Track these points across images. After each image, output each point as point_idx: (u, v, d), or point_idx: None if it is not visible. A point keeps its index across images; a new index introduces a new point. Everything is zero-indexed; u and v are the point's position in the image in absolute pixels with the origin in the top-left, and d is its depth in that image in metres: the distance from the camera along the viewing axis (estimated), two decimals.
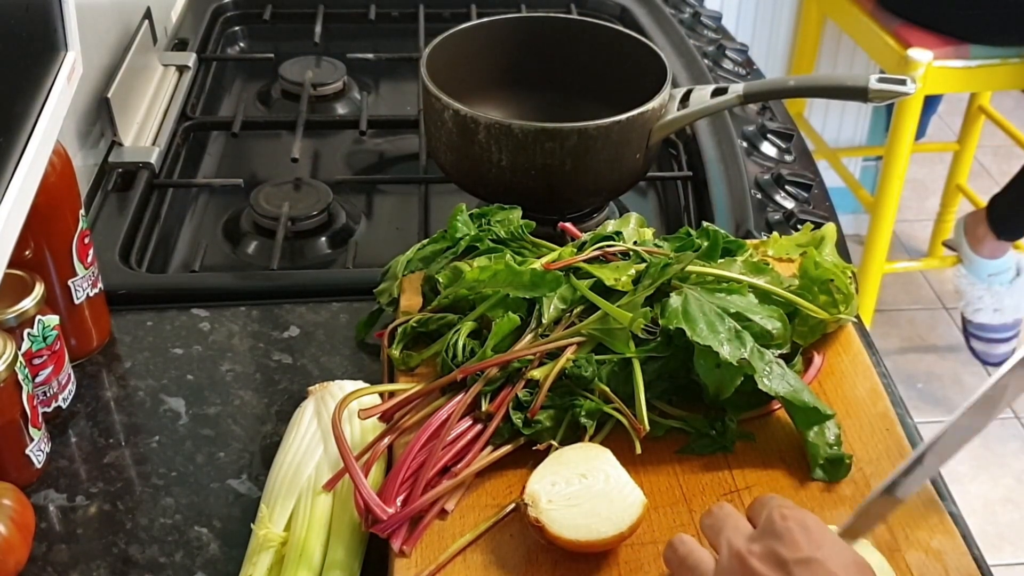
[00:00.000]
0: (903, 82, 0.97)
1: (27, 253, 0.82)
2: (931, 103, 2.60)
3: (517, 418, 0.73)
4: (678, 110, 1.02)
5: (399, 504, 0.68)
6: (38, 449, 0.78)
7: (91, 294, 0.88)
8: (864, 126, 2.74)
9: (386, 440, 0.73)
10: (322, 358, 0.90)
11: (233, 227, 1.12)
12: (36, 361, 0.80)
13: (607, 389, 0.74)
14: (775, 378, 0.74)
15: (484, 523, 0.69)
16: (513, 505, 0.70)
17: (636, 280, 0.80)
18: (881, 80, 0.97)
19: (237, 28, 1.53)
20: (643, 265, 0.81)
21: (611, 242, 0.86)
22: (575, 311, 0.79)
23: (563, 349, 0.76)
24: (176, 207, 1.16)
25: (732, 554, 0.57)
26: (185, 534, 0.75)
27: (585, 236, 0.88)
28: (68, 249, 0.84)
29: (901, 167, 2.15)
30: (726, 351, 0.72)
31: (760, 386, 0.73)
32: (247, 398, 0.86)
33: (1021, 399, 2.39)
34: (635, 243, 0.86)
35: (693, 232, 0.87)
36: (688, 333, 0.73)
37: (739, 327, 0.74)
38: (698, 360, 0.74)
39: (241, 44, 1.53)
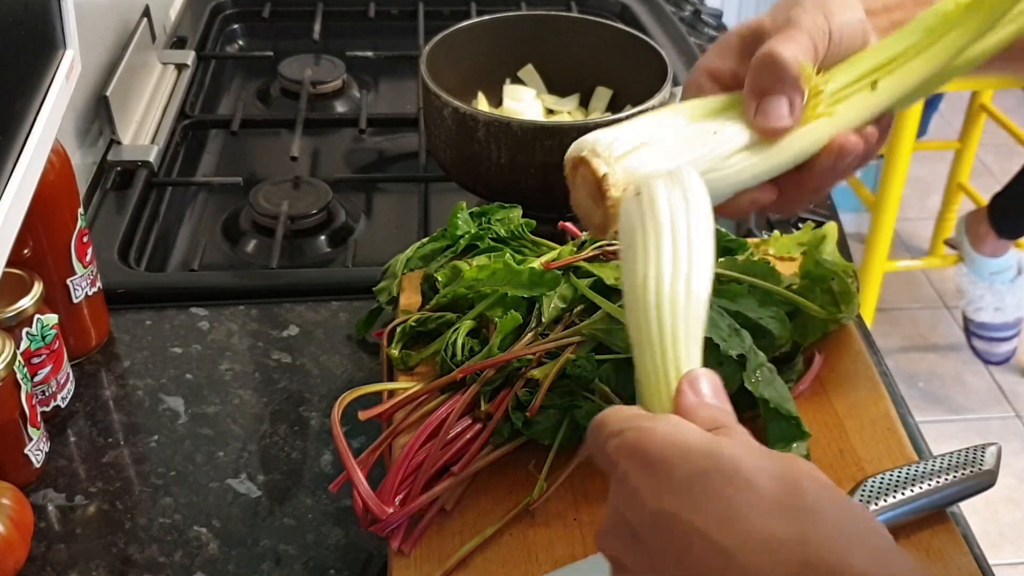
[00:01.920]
0: None
1: (26, 252, 0.81)
2: (932, 101, 2.60)
3: (517, 418, 0.73)
4: None
5: (398, 503, 0.68)
6: (37, 448, 0.78)
7: (90, 293, 0.88)
8: None
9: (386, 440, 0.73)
10: (321, 357, 0.90)
11: (232, 226, 1.11)
12: (35, 360, 0.79)
13: (607, 389, 0.74)
14: (763, 382, 0.72)
15: (491, 528, 0.69)
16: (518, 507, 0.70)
17: None
18: None
19: (236, 26, 1.53)
20: None
21: (611, 241, 0.85)
22: (575, 310, 0.79)
23: (563, 348, 0.75)
24: (175, 206, 1.16)
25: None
26: (184, 533, 0.75)
27: (585, 235, 0.88)
28: (67, 248, 0.84)
29: (902, 165, 2.15)
30: (725, 345, 0.72)
31: (746, 383, 0.72)
32: (246, 397, 0.86)
33: (1021, 399, 2.36)
34: None
35: None
36: None
37: (738, 326, 0.74)
38: None
39: (240, 42, 1.53)
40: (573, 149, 0.61)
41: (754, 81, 0.61)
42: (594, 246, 0.85)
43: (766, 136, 0.61)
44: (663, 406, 0.51)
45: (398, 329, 0.82)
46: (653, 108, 0.99)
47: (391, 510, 0.67)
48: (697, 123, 0.62)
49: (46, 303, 0.80)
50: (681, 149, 0.60)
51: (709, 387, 0.51)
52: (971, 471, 0.69)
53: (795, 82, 0.60)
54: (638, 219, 0.56)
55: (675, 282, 0.54)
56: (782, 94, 0.60)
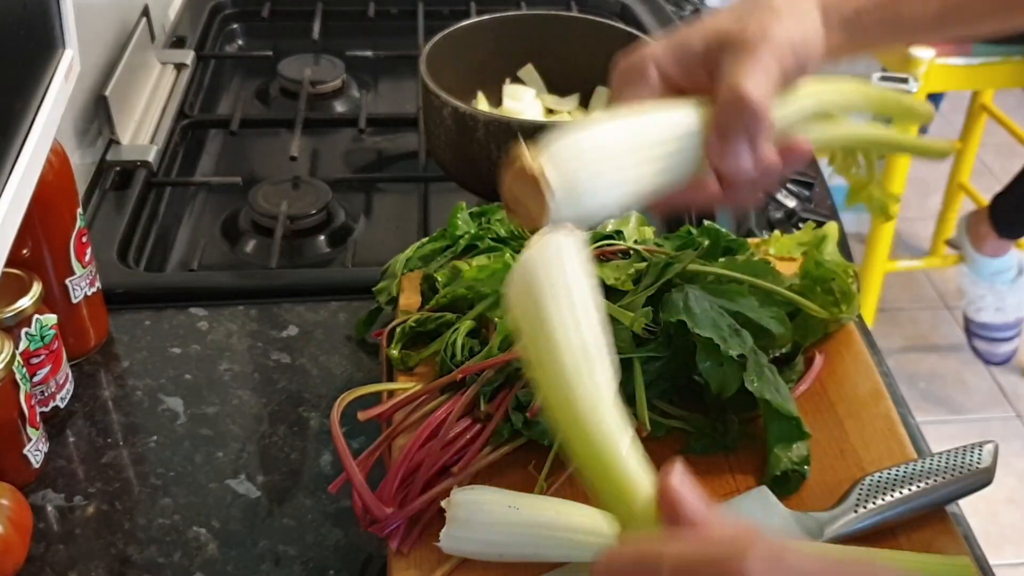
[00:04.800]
0: (905, 80, 0.97)
1: (25, 252, 0.81)
2: (933, 101, 2.59)
3: (516, 418, 0.73)
4: None
5: (397, 504, 0.68)
6: (36, 449, 0.78)
7: (89, 293, 0.87)
8: None
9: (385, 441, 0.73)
10: (321, 357, 0.90)
11: (231, 226, 1.11)
12: (34, 360, 0.79)
13: None
14: (765, 382, 0.72)
15: None
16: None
17: (637, 279, 0.80)
18: (883, 79, 0.97)
19: (235, 25, 1.53)
20: (644, 264, 0.81)
21: (612, 241, 0.85)
22: None
23: None
24: (174, 206, 1.16)
25: None
26: (183, 534, 0.75)
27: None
28: (66, 248, 0.83)
29: (903, 165, 2.14)
30: (726, 346, 0.72)
31: (746, 384, 0.72)
32: (245, 397, 0.86)
33: (1022, 400, 2.35)
34: (636, 242, 0.86)
35: (694, 231, 0.87)
36: (689, 324, 0.72)
37: (739, 326, 0.74)
38: (701, 358, 0.73)
39: (239, 42, 1.53)
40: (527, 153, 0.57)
41: (722, 120, 0.57)
42: (595, 246, 0.84)
43: (722, 176, 0.58)
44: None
45: (398, 329, 0.82)
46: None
47: (391, 510, 0.67)
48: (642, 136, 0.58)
49: (45, 303, 0.80)
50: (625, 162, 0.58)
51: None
52: (968, 469, 0.69)
53: (763, 128, 0.56)
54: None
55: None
56: (745, 137, 0.57)
